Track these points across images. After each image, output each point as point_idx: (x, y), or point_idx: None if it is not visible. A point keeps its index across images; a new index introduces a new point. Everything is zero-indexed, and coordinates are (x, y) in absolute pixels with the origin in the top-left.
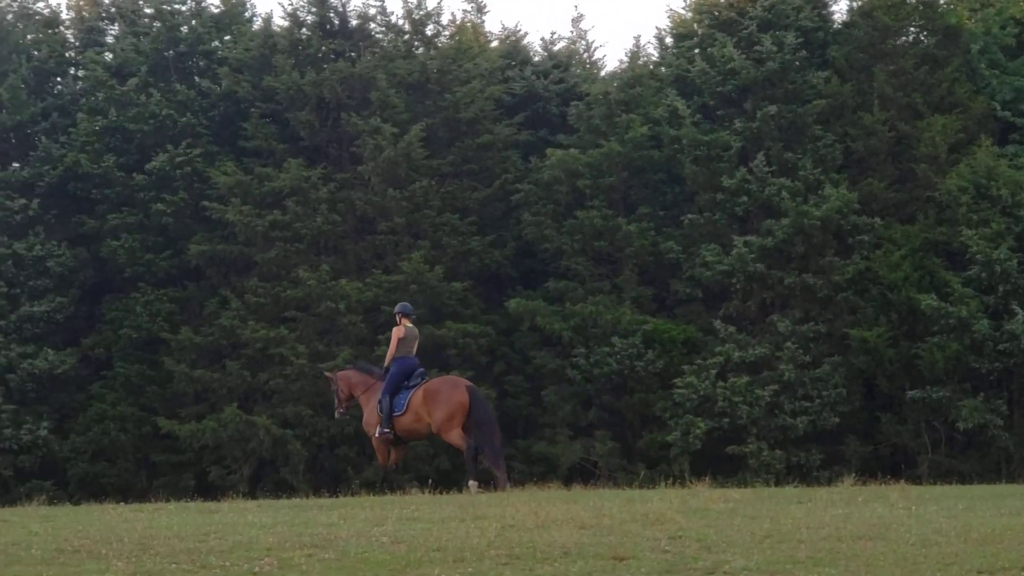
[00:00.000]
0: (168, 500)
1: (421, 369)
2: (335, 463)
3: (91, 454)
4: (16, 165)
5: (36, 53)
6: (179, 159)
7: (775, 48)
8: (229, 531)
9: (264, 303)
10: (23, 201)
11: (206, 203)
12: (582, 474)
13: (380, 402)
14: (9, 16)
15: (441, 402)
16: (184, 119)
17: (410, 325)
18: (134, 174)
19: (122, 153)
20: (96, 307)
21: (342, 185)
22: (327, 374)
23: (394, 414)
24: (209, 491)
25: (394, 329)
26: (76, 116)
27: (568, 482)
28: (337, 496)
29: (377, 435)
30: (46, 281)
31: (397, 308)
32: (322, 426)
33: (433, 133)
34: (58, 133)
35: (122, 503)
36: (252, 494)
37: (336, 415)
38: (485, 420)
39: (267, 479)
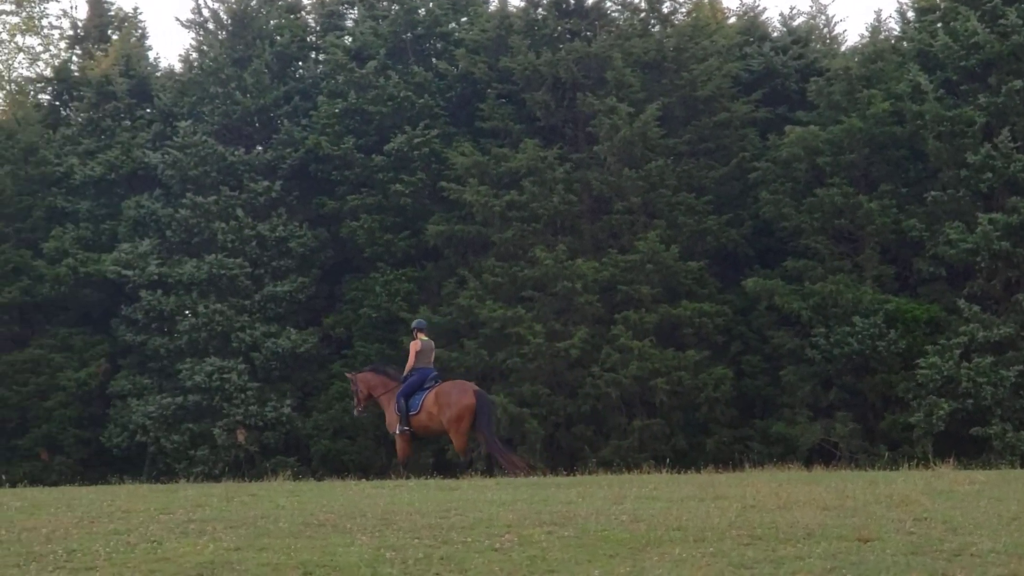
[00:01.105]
0: (408, 477)
1: (435, 374)
2: (572, 442)
3: (332, 431)
4: (259, 148)
5: (279, 38)
6: (417, 140)
7: (1020, 21)
8: (469, 508)
9: (501, 283)
10: (266, 183)
11: (444, 183)
12: (822, 455)
13: (397, 403)
14: (253, 3)
15: (450, 404)
16: (422, 101)
17: (426, 339)
18: (373, 155)
19: (361, 135)
20: (336, 287)
21: (578, 165)
22: (347, 375)
23: (410, 413)
24: (447, 469)
25: (411, 343)
26: (317, 99)
27: (808, 463)
28: (574, 475)
29: (398, 432)
30: (288, 262)
31: (414, 324)
32: (559, 405)
33: (669, 112)
34: (299, 116)
35: (363, 479)
36: (490, 472)
37: (355, 412)
38: (489, 423)
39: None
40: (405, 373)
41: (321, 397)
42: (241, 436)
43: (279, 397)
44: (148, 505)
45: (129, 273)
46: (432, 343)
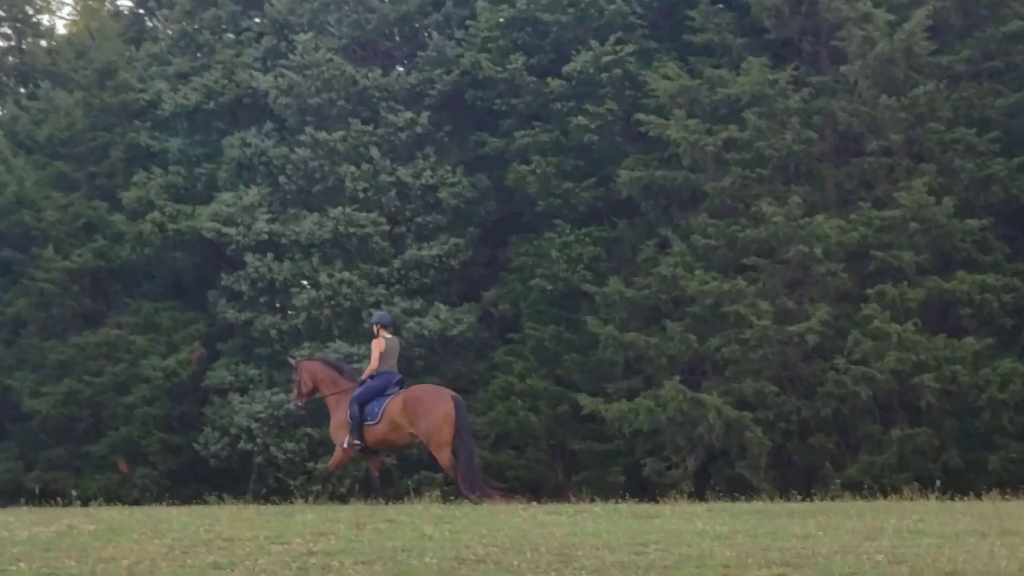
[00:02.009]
0: (592, 500)
1: (399, 378)
2: (808, 456)
3: (494, 439)
4: (400, 69)
5: None
6: (606, 59)
7: None
8: (673, 541)
9: (716, 246)
10: (409, 115)
11: (641, 116)
12: None
13: (350, 410)
14: None
15: (426, 412)
16: (613, 7)
17: (390, 336)
18: (548, 79)
19: (533, 52)
20: (500, 250)
21: (819, 91)
22: (291, 361)
23: (366, 422)
24: (644, 490)
25: (374, 342)
26: (475, 5)
27: None
28: (811, 499)
29: (346, 445)
30: (437, 217)
31: (374, 318)
32: (790, 408)
33: (943, 20)
34: (452, 28)
35: (533, 502)
36: (699, 494)
37: (291, 406)
38: (465, 437)
39: (719, 475)
40: (364, 376)
41: (479, 395)
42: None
43: None
44: (256, 532)
45: (231, 231)
46: (397, 342)
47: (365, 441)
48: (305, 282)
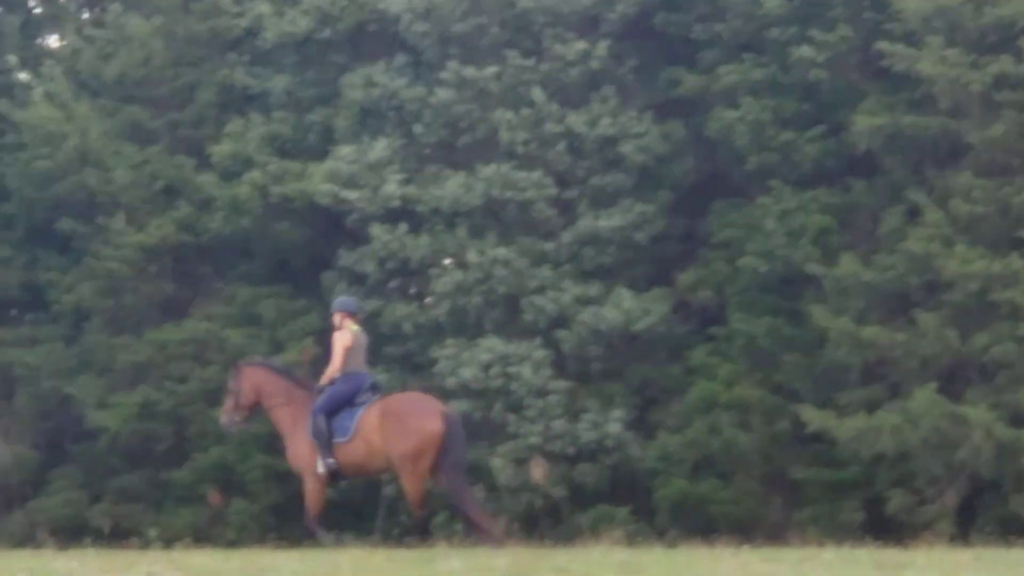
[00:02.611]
0: (821, 543)
1: (372, 382)
2: None
3: (692, 465)
4: None
5: None
6: None
7: None
8: None
9: (985, 215)
10: (582, 45)
11: (884, 45)
12: None
13: (313, 424)
14: None
15: (406, 429)
16: None
17: (356, 328)
18: None
19: None
20: (699, 221)
21: None
22: (234, 364)
23: (335, 441)
24: (889, 530)
25: (337, 335)
26: None
27: None
28: None
29: (320, 470)
30: (618, 177)
31: (337, 305)
32: None
33: None
34: None
35: (743, 544)
36: (964, 537)
37: (223, 420)
38: (458, 463)
39: (987, 513)
40: (325, 380)
41: (672, 407)
42: (538, 471)
43: (602, 406)
44: None
45: (352, 196)
46: (365, 335)
47: (338, 464)
48: (448, 261)
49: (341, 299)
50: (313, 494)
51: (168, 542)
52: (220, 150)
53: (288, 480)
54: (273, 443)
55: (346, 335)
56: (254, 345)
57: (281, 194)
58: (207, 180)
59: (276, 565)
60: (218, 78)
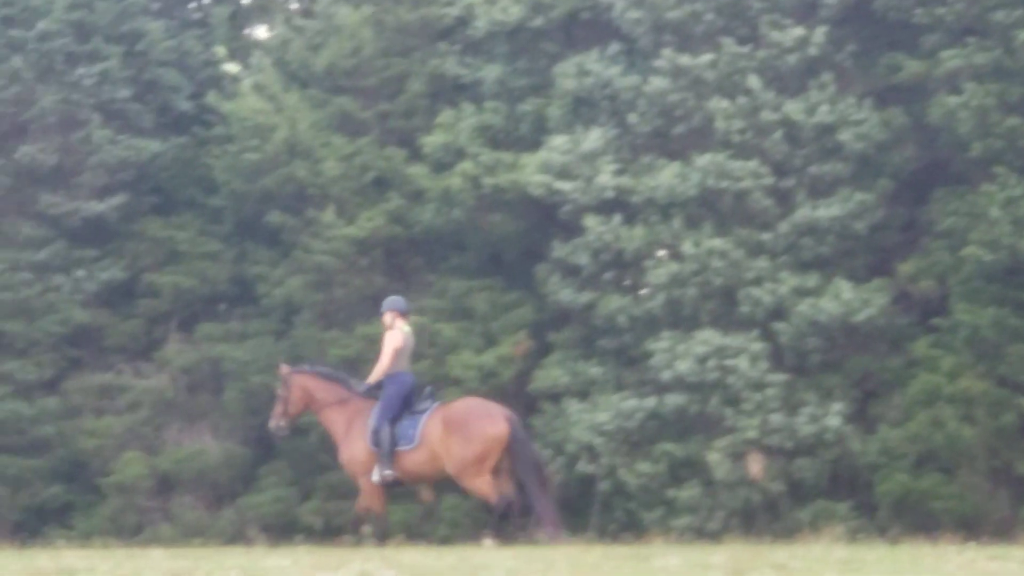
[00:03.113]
0: (379, 538)
1: (429, 387)
2: None
3: (915, 459)
4: None
5: None
6: None
7: None
8: None
9: None
10: (799, 32)
11: None
12: None
13: (376, 432)
14: None
15: (470, 437)
16: None
17: (407, 329)
18: None
19: None
20: (921, 209)
21: None
22: (283, 368)
23: (399, 448)
24: None
25: (388, 335)
26: None
27: None
28: None
29: (378, 480)
30: (837, 166)
31: (388, 305)
32: None
33: None
34: None
35: (969, 540)
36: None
37: (272, 426)
38: (530, 463)
39: None
40: (373, 379)
41: (893, 400)
42: (755, 466)
43: (821, 399)
44: None
45: (566, 187)
46: (413, 337)
47: (399, 473)
48: (663, 252)
49: (392, 298)
50: (371, 498)
51: (382, 538)
52: (431, 141)
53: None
54: None
55: (397, 335)
56: (466, 338)
57: (493, 185)
58: (418, 172)
59: (490, 562)
60: (429, 68)
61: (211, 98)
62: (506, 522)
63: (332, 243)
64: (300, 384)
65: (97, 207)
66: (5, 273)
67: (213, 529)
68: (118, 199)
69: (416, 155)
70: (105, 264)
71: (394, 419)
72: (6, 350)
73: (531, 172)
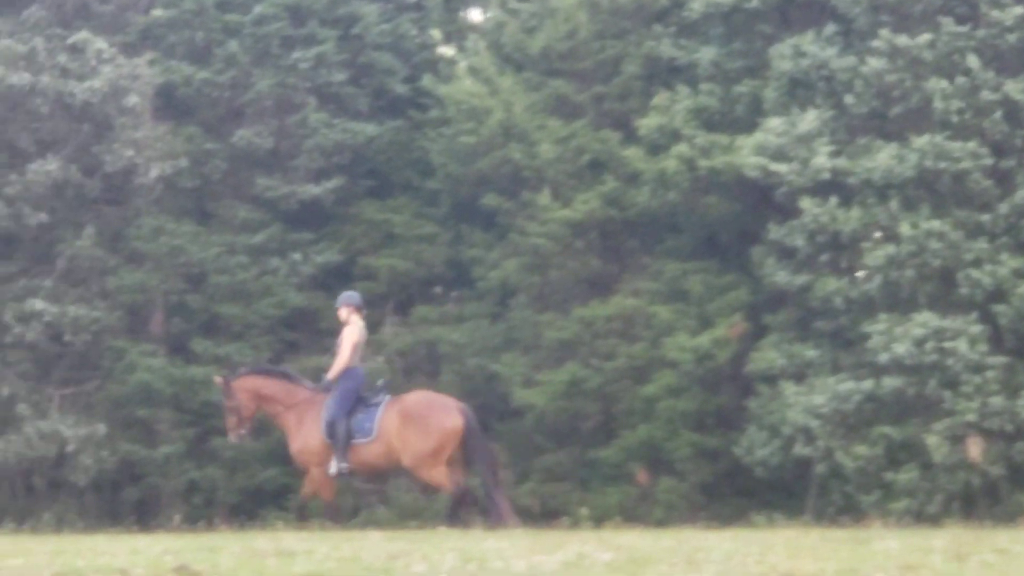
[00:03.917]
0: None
1: (382, 380)
2: None
3: None
4: None
5: None
6: None
7: None
8: None
9: None
10: (1020, 10)
11: None
12: None
13: (331, 425)
14: None
15: (427, 430)
16: None
17: (362, 323)
18: None
19: None
20: None
21: None
22: (217, 379)
23: (355, 441)
24: None
25: (347, 330)
26: None
27: None
28: None
29: (334, 472)
30: None
31: (343, 300)
32: None
33: None
34: None
35: None
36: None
37: (231, 438)
38: (483, 455)
39: None
40: (333, 375)
41: None
42: (975, 449)
43: None
44: (821, 564)
45: (782, 169)
46: (366, 331)
47: (353, 466)
48: (880, 234)
49: (347, 294)
50: (321, 487)
51: (597, 521)
52: (647, 123)
53: (717, 457)
54: (703, 419)
55: (354, 330)
56: (682, 320)
57: (708, 167)
58: (633, 154)
59: (707, 545)
60: (644, 50)
61: (426, 81)
62: (460, 510)
63: (547, 226)
64: (245, 387)
65: (313, 190)
66: (222, 256)
67: (429, 511)
68: (334, 182)
69: (631, 137)
70: (321, 247)
71: (349, 413)
72: (223, 333)
73: (747, 154)
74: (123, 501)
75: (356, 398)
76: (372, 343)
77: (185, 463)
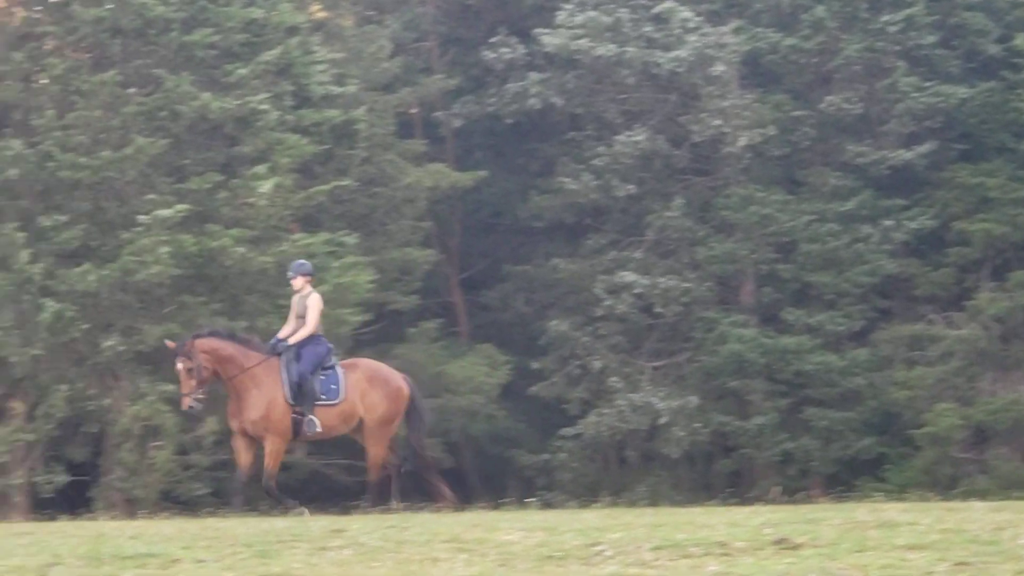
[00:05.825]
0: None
1: (330, 345)
2: None
3: None
4: None
5: None
6: None
7: None
8: None
9: None
10: None
11: None
12: None
13: (299, 385)
14: None
15: (391, 394)
16: None
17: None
18: None
19: None
20: None
21: None
22: (168, 343)
23: (323, 402)
24: None
25: (314, 297)
26: None
27: None
28: None
29: (309, 432)
30: None
31: (297, 268)
32: None
33: None
34: None
35: None
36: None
37: (184, 405)
38: (420, 420)
39: None
40: (296, 339)
41: None
42: None
43: None
44: None
45: None
46: None
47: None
48: None
49: (300, 262)
50: (276, 455)
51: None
52: None
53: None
54: None
55: (318, 297)
56: None
57: None
58: None
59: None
60: None
61: (1019, 41)
62: (383, 488)
63: None
64: (204, 349)
65: (904, 155)
66: (812, 224)
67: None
68: (926, 147)
69: None
70: (913, 213)
71: (313, 373)
72: (815, 302)
73: None
74: (716, 473)
75: (321, 362)
76: (967, 309)
77: (779, 434)
